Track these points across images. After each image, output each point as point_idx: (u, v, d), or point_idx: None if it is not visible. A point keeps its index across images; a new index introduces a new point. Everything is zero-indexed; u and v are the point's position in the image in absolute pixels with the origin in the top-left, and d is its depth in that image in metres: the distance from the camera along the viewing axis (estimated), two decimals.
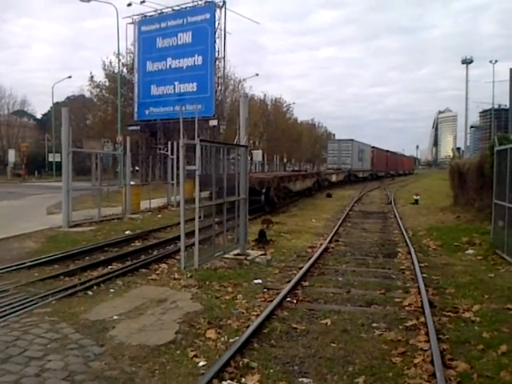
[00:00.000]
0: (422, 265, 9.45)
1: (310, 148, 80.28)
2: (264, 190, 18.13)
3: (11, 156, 57.01)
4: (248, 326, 5.74)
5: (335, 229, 14.30)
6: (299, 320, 6.22)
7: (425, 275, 8.58)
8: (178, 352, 5.08)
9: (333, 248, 11.51)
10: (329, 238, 12.42)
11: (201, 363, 4.81)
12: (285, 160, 58.68)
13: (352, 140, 50.26)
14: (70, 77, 55.68)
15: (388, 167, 69.62)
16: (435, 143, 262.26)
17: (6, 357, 4.81)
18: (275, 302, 6.68)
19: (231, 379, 4.46)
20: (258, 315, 6.23)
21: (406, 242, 12.21)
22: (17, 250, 10.74)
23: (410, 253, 10.64)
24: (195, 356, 4.97)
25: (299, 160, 65.26)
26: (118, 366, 4.68)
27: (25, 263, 9.15)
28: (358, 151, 51.41)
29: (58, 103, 59.49)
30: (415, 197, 24.65)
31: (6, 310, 6.28)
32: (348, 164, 47.84)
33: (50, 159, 55.79)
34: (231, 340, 5.39)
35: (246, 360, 4.87)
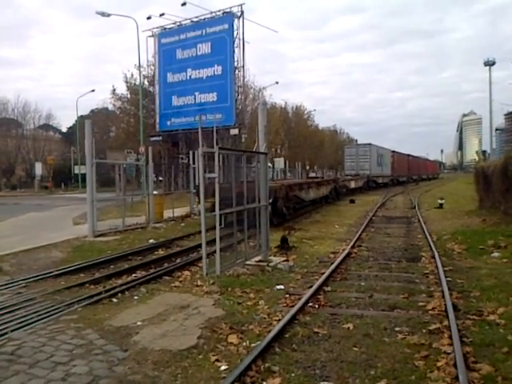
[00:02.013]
0: (446, 268, 9.32)
1: (332, 154, 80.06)
2: (271, 201, 17.44)
3: (38, 169, 58.36)
4: (270, 331, 5.76)
5: (358, 234, 14.21)
6: (321, 324, 6.22)
7: (449, 279, 8.48)
8: (200, 356, 5.13)
9: (355, 253, 11.44)
10: (351, 244, 12.35)
11: (222, 367, 4.86)
12: (307, 167, 58.65)
13: (370, 144, 49.08)
14: (93, 90, 57.00)
15: (410, 172, 68.15)
16: (460, 147, 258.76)
17: (34, 362, 4.94)
18: (297, 307, 6.68)
19: (252, 383, 4.49)
20: (279, 320, 6.24)
21: (430, 246, 12.06)
22: (44, 260, 10.96)
23: (433, 257, 10.51)
24: (217, 360, 5.02)
25: (322, 167, 65.09)
26: (141, 370, 4.76)
27: (51, 272, 9.35)
28: (377, 156, 49.93)
29: (82, 116, 60.49)
30: (440, 201, 24.31)
31: (33, 318, 6.44)
32: (366, 169, 46.27)
33: (76, 171, 56.80)
34: (253, 345, 5.41)
35: (267, 364, 4.89)
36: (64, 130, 78.88)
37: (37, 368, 4.79)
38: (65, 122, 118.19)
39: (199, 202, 18.13)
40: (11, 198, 45.52)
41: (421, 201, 29.37)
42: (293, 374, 4.72)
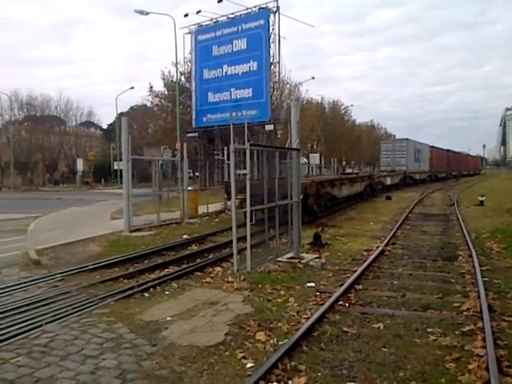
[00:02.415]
0: (483, 268, 9.06)
1: (369, 150, 79.01)
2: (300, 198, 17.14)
3: (79, 165, 59.84)
4: (298, 329, 5.74)
5: (393, 231, 13.98)
6: (350, 324, 6.14)
7: (486, 279, 8.24)
8: (226, 353, 5.15)
9: (389, 251, 11.26)
10: (386, 241, 12.16)
11: (248, 365, 4.86)
12: (344, 163, 58.13)
13: (407, 139, 47.95)
14: (132, 88, 57.85)
15: (449, 168, 66.29)
16: (503, 142, 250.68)
17: (65, 354, 5.06)
18: (326, 305, 6.62)
19: (278, 381, 4.47)
20: (308, 318, 6.20)
21: (467, 244, 11.76)
22: (81, 254, 11.23)
23: (471, 256, 10.23)
24: (243, 357, 5.02)
25: (358, 162, 64.38)
26: (168, 365, 4.81)
27: (87, 266, 9.55)
28: (414, 151, 48.65)
29: (122, 113, 61.57)
30: (480, 198, 23.61)
31: (67, 311, 6.60)
32: (403, 165, 45.13)
33: (115, 167, 57.90)
34: (280, 342, 5.39)
35: (293, 362, 4.87)
36: (104, 126, 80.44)
37: (68, 360, 4.91)
38: (105, 118, 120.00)
39: (228, 199, 18.21)
40: (54, 192, 46.87)
41: (460, 198, 28.68)
42: (319, 374, 4.68)
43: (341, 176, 26.53)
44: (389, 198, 28.25)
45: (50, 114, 69.41)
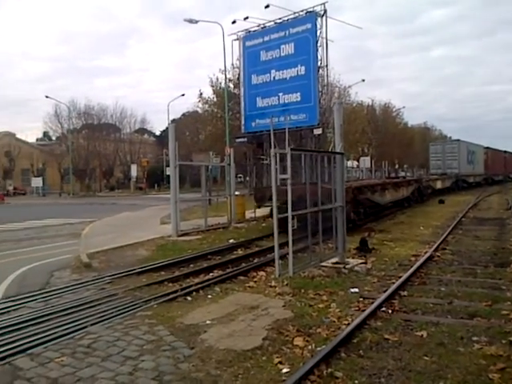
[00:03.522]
0: None
1: (423, 152, 77.04)
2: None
3: (133, 171, 61.51)
4: (337, 335, 5.68)
5: (443, 236, 13.57)
6: (392, 331, 6.00)
7: None
8: (263, 358, 5.16)
9: (438, 257, 10.94)
10: (435, 246, 11.83)
11: (284, 370, 4.84)
12: (396, 166, 56.95)
13: (458, 140, 45.99)
14: (183, 95, 58.74)
15: (507, 170, 63.38)
16: None
17: (106, 355, 5.24)
18: (368, 312, 6.52)
19: None
20: (348, 324, 6.13)
21: None
22: (130, 258, 11.56)
23: None
24: (280, 363, 5.01)
25: (412, 166, 62.84)
26: (204, 368, 4.87)
27: (135, 269, 9.83)
28: (467, 153, 46.30)
29: (174, 120, 62.88)
30: None
31: (112, 313, 6.81)
32: (455, 168, 42.78)
33: (168, 173, 59.02)
34: (318, 348, 5.34)
35: (330, 369, 4.81)
36: (157, 133, 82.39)
37: (108, 361, 5.08)
38: (158, 125, 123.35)
39: (258, 207, 18.02)
40: (109, 198, 48.52)
41: None
42: (356, 381, 4.61)
43: (384, 180, 25.07)
44: (441, 202, 27.46)
45: (106, 121, 71.83)
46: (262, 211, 20.72)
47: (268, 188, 16.65)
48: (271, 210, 14.99)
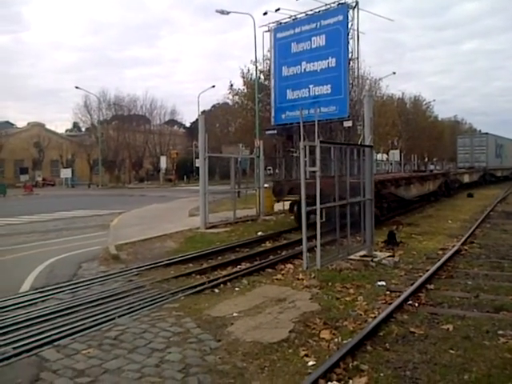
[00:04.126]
0: None
1: (452, 146, 75.57)
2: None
3: (163, 162, 61.99)
4: (363, 328, 5.62)
5: (471, 230, 13.37)
6: (418, 324, 5.94)
7: None
8: (289, 350, 5.14)
9: (466, 250, 10.77)
10: (463, 240, 11.68)
11: (310, 363, 4.83)
12: (426, 159, 55.92)
13: (487, 134, 45.01)
14: (213, 86, 59.18)
15: None
16: None
17: (133, 347, 5.28)
18: (394, 305, 6.46)
19: (338, 380, 4.42)
20: (375, 317, 6.07)
21: None
22: (158, 250, 11.64)
23: None
24: (306, 355, 5.00)
25: (441, 159, 61.62)
26: (230, 360, 4.88)
27: (163, 261, 9.90)
28: (496, 146, 45.33)
29: (204, 111, 63.07)
30: None
31: (140, 305, 6.88)
32: (483, 161, 42.11)
33: (197, 164, 59.27)
34: (345, 341, 5.31)
35: (356, 362, 4.78)
36: (187, 124, 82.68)
37: (135, 353, 5.13)
38: (189, 116, 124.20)
39: (276, 201, 17.70)
40: (139, 189, 49.07)
41: None
42: (381, 374, 4.57)
43: (410, 174, 24.26)
44: (470, 196, 26.98)
45: (136, 113, 72.36)
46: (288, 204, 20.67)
47: (287, 181, 16.52)
48: (291, 204, 14.86)
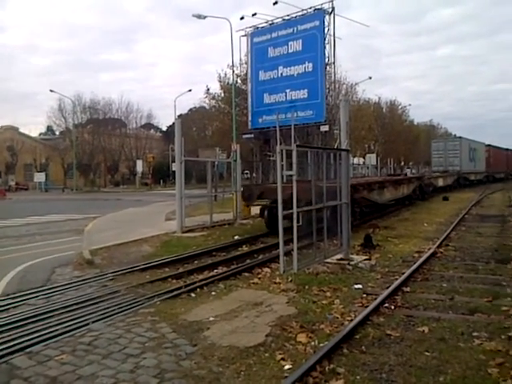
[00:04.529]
0: None
1: (428, 150, 76.79)
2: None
3: (139, 166, 61.63)
4: (340, 331, 5.64)
5: (446, 233, 13.59)
6: (394, 326, 5.98)
7: None
8: (266, 354, 5.12)
9: (441, 253, 10.93)
10: (438, 243, 11.84)
11: (287, 366, 4.81)
12: (402, 163, 56.77)
13: (460, 138, 45.96)
14: (190, 90, 58.39)
15: (509, 168, 63.15)
16: None
17: (108, 353, 5.18)
18: (370, 308, 6.49)
19: None
20: (352, 320, 6.10)
21: None
22: (134, 254, 11.52)
23: None
24: (282, 359, 4.98)
25: (417, 163, 62.59)
26: (206, 365, 4.83)
27: (138, 266, 9.79)
28: (469, 150, 46.27)
29: (180, 115, 62.79)
30: None
31: (114, 310, 6.77)
32: (456, 165, 42.74)
33: (174, 168, 58.93)
34: (321, 345, 5.31)
35: (332, 365, 4.78)
36: (164, 128, 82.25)
37: (109, 359, 5.03)
38: (165, 120, 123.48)
39: (246, 206, 17.80)
40: (114, 193, 48.62)
41: None
42: (358, 377, 4.58)
43: (384, 178, 24.20)
44: (446, 199, 27.48)
45: (111, 116, 71.76)
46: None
47: (256, 186, 16.54)
48: (261, 209, 14.87)
